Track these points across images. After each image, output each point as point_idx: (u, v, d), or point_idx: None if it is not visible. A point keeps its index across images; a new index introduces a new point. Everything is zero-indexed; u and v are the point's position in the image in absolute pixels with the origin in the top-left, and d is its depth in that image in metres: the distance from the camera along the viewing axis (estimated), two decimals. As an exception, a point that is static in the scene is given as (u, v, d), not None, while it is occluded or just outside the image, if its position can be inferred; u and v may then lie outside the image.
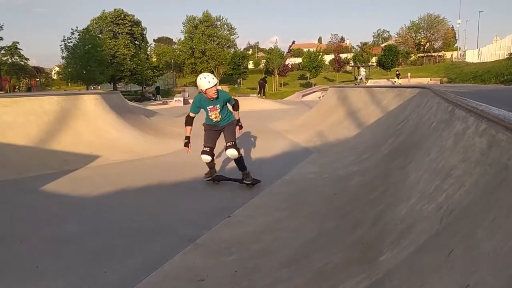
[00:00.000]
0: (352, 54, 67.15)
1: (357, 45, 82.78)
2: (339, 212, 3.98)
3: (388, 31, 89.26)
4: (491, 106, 2.26)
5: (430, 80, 28.16)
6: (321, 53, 54.39)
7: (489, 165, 1.65)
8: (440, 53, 61.66)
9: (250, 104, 20.59)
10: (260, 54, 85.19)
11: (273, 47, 57.56)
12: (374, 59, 58.51)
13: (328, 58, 63.00)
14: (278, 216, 4.42)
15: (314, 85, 45.98)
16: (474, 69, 28.56)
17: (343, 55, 64.39)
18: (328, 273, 2.54)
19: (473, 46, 60.47)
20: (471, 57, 46.78)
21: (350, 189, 4.71)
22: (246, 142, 9.32)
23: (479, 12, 69.74)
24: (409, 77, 29.52)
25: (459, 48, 59.39)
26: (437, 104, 4.65)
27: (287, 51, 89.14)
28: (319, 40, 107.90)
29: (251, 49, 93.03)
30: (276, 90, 50.39)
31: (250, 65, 64.48)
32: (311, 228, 3.83)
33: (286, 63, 57.69)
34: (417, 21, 66.58)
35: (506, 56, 24.59)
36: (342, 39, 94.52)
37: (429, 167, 2.72)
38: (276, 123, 13.61)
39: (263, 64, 60.52)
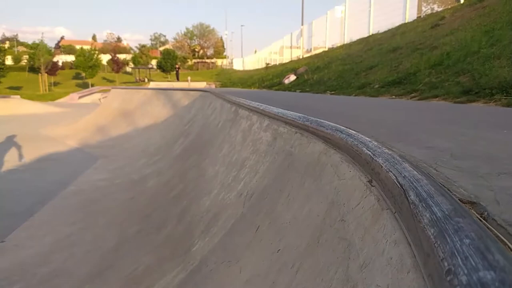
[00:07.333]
0: (131, 55, 65.91)
1: (135, 47, 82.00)
2: (140, 215, 3.90)
3: (165, 35, 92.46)
4: (270, 105, 2.77)
5: (207, 84, 30.96)
6: (97, 52, 50.64)
7: (276, 153, 2.04)
8: (213, 60, 68.95)
9: (12, 107, 17.03)
10: (21, 48, 71.38)
11: (37, 41, 49.22)
12: (154, 62, 59.50)
13: (105, 58, 59.42)
14: (68, 232, 3.93)
15: (92, 86, 42.45)
16: (241, 75, 33.44)
17: (121, 56, 62.31)
18: (139, 276, 2.48)
19: (238, 55, 70.79)
20: (238, 65, 54.26)
21: (148, 191, 4.68)
22: (12, 153, 7.74)
23: (241, 26, 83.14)
24: (189, 80, 31.50)
25: (227, 56, 68.07)
26: (221, 105, 5.23)
27: (55, 46, 78.50)
28: (94, 38, 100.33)
29: (7, 42, 76.31)
30: (46, 91, 43.58)
31: (9, 61, 52.92)
32: (110, 237, 3.60)
33: (55, 60, 50.77)
34: (191, 29, 72.28)
35: (264, 66, 29.91)
36: (119, 39, 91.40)
37: (224, 161, 3.06)
38: (51, 128, 11.84)
39: (26, 60, 50.92)
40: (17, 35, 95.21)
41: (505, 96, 4.19)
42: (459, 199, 0.77)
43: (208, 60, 69.84)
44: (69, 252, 3.37)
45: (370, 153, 1.13)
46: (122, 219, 4.03)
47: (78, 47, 60.36)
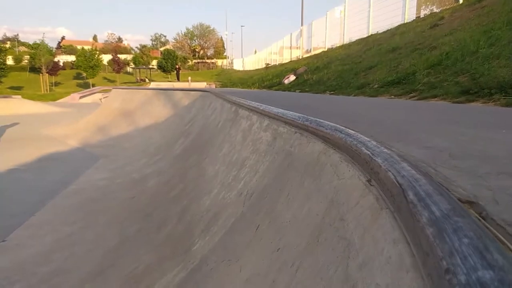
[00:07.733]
0: (131, 56, 66.01)
1: (136, 47, 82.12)
2: (140, 214, 3.91)
3: (165, 36, 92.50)
4: (269, 105, 2.78)
5: (207, 84, 31.02)
6: (98, 52, 50.63)
7: (276, 153, 2.05)
8: (213, 60, 69.13)
9: (13, 107, 17.03)
10: (22, 48, 71.34)
11: (38, 41, 49.15)
12: (154, 62, 59.64)
13: (106, 58, 59.44)
14: (69, 231, 3.93)
15: (93, 86, 42.49)
16: (241, 75, 33.49)
17: (122, 56, 62.39)
18: (140, 275, 2.48)
19: (239, 55, 71.07)
20: (238, 65, 54.38)
21: (148, 191, 4.68)
22: (9, 154, 7.74)
23: (241, 26, 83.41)
24: (189, 81, 31.57)
25: (227, 57, 68.23)
26: (221, 105, 5.23)
27: (56, 47, 78.57)
28: (94, 38, 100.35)
29: (8, 42, 76.09)
30: (47, 91, 43.61)
31: (10, 61, 52.92)
32: (111, 236, 3.61)
33: (56, 60, 50.81)
34: (191, 29, 72.45)
35: (263, 66, 30.01)
36: (120, 39, 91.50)
37: (224, 161, 3.06)
38: (52, 128, 11.84)
39: (27, 60, 50.93)
40: (18, 35, 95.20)
41: (504, 96, 4.19)
42: (457, 199, 0.78)
43: (208, 60, 70.02)
44: (70, 251, 3.37)
45: (369, 152, 1.14)
46: (122, 218, 4.03)
47: (79, 47, 60.37)
